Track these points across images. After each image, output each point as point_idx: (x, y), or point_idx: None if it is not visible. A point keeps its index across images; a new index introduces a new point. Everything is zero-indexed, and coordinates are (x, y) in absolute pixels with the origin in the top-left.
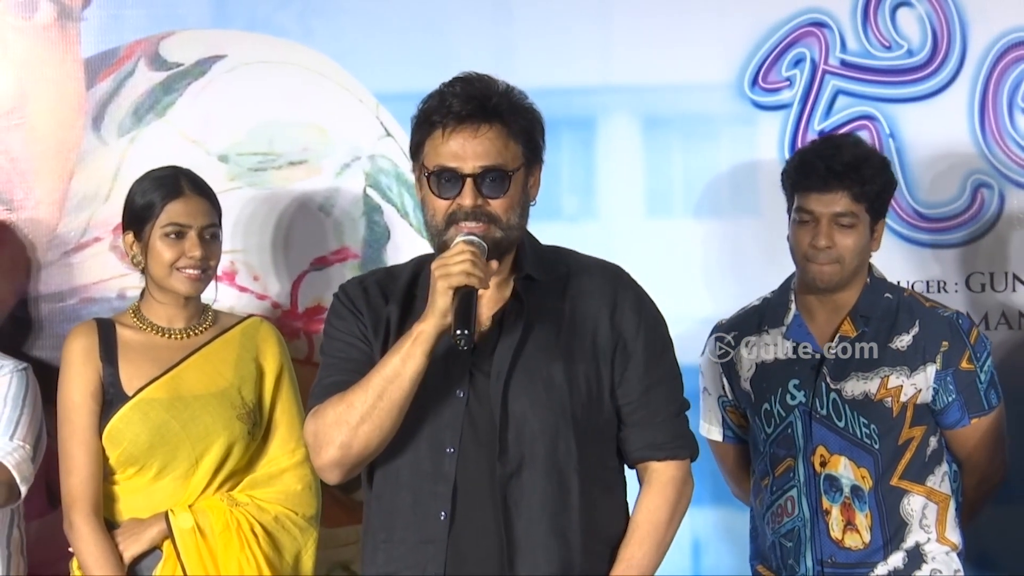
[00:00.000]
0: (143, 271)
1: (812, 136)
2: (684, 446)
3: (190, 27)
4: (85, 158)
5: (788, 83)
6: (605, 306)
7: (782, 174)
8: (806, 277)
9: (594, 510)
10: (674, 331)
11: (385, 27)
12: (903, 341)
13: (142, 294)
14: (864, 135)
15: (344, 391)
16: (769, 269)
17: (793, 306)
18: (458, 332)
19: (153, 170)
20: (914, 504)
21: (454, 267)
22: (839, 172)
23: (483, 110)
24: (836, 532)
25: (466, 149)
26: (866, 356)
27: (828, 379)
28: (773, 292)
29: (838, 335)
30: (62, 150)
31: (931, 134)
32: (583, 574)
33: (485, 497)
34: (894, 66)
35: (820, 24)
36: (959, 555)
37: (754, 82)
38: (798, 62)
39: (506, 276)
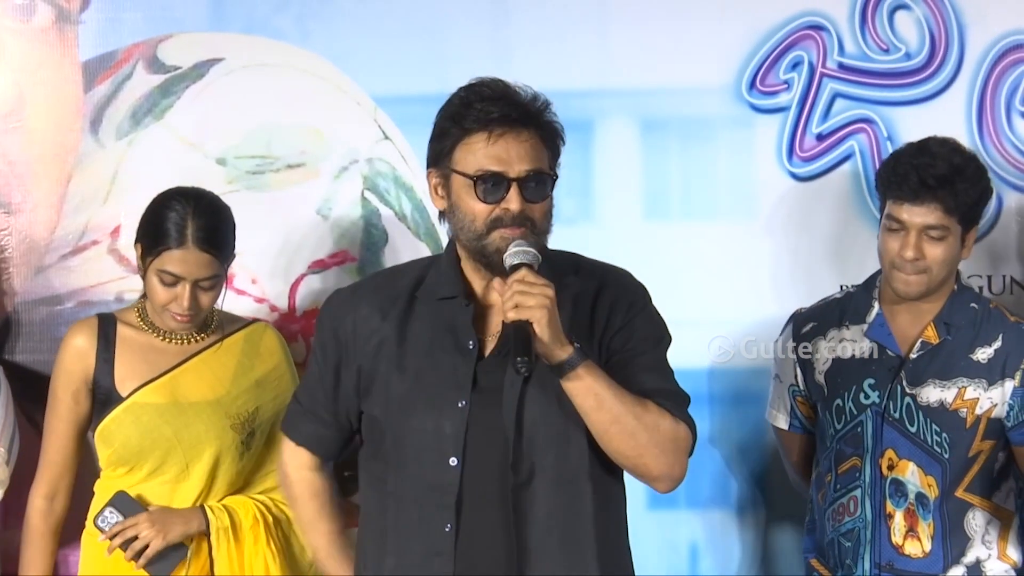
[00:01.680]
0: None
1: (810, 140)
2: (685, 414)
3: (188, 30)
4: (83, 161)
5: (786, 86)
6: (610, 309)
7: (876, 176)
8: (891, 285)
9: (607, 518)
10: (673, 334)
11: (383, 30)
12: (984, 354)
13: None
14: (862, 138)
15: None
16: (767, 272)
17: (876, 304)
18: (520, 360)
19: (175, 199)
20: (978, 519)
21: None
22: (932, 186)
23: (526, 115)
24: (897, 537)
25: (511, 153)
26: (945, 364)
27: (905, 383)
28: (856, 286)
29: (920, 340)
30: (60, 153)
31: None
32: None
33: (494, 507)
34: (892, 69)
35: (818, 27)
36: (1017, 572)
37: (752, 85)
38: (796, 65)
39: None
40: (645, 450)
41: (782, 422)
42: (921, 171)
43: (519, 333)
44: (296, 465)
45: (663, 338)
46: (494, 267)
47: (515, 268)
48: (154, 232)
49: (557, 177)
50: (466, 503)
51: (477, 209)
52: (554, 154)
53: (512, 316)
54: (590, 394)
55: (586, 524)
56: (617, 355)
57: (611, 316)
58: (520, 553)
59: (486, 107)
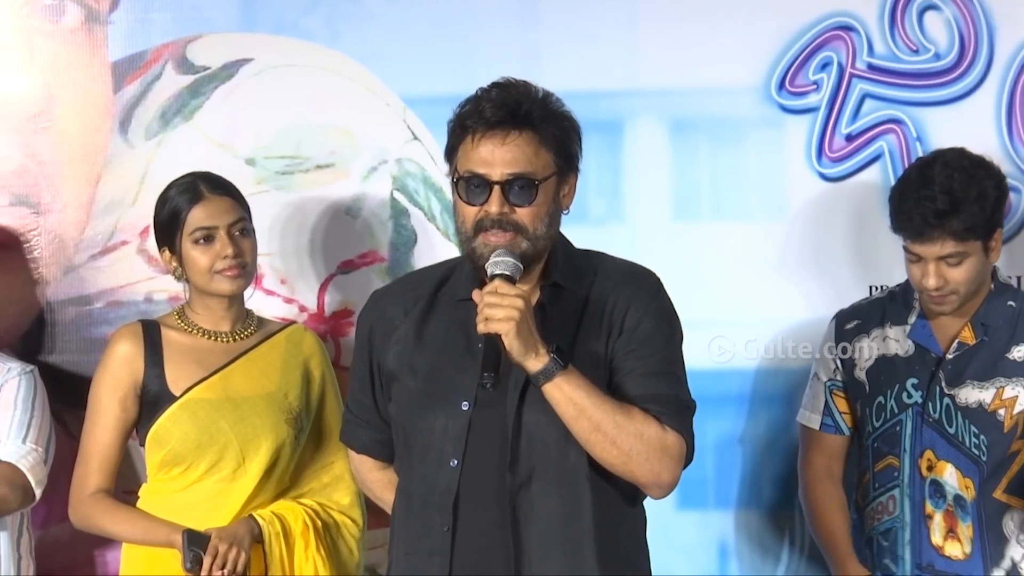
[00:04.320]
0: (186, 281)
1: (839, 140)
2: (678, 422)
3: (217, 31)
4: (112, 162)
5: (815, 87)
6: (619, 310)
7: (888, 200)
8: (925, 307)
9: (608, 520)
10: (701, 334)
11: (412, 31)
12: (1021, 352)
13: (187, 302)
14: (891, 139)
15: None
16: (796, 272)
17: (917, 306)
18: (485, 375)
19: (172, 182)
20: (1015, 519)
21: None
22: (934, 222)
23: (513, 116)
24: (937, 538)
25: (495, 156)
26: (983, 364)
27: (943, 383)
28: (899, 286)
29: (957, 341)
30: (89, 153)
31: (958, 138)
32: None
33: (492, 508)
34: (921, 70)
35: (847, 28)
36: None
37: (781, 85)
38: (825, 65)
39: (534, 284)
40: (628, 458)
41: (814, 422)
42: (922, 209)
43: (489, 347)
44: (365, 469)
45: (672, 338)
46: (481, 271)
47: (492, 279)
48: (168, 212)
49: (560, 178)
50: (464, 504)
51: (466, 211)
52: (562, 154)
53: (481, 329)
54: (569, 403)
55: (585, 525)
56: (619, 358)
57: (620, 317)
58: (518, 554)
59: (482, 108)
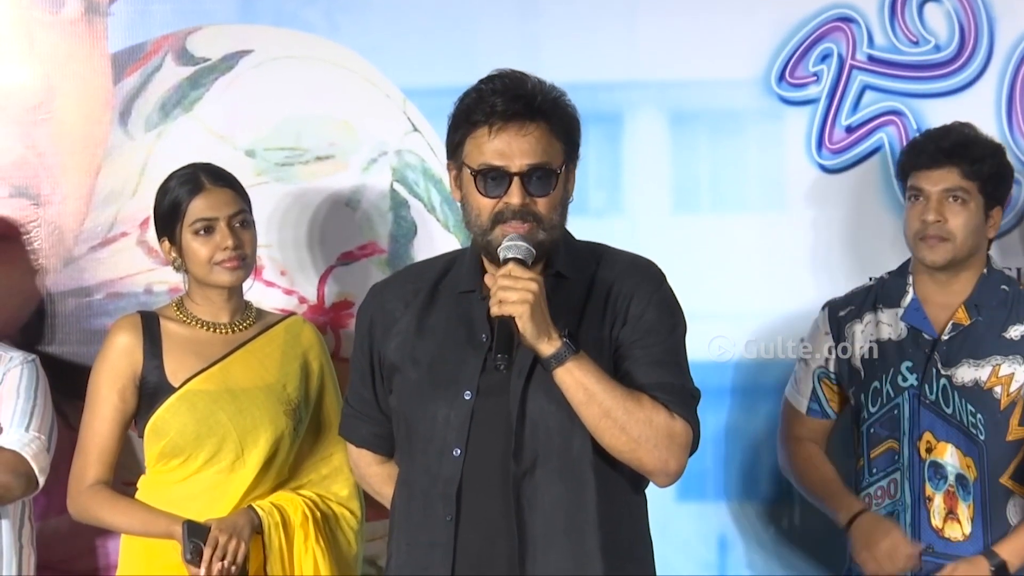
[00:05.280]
0: (185, 271)
1: (839, 132)
2: (685, 410)
3: (217, 22)
4: (112, 153)
5: (815, 78)
6: (623, 299)
7: (896, 163)
8: (918, 256)
9: (612, 508)
10: (700, 326)
11: (412, 23)
12: (1017, 331)
13: (186, 292)
14: (891, 130)
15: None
16: (796, 264)
17: (911, 289)
18: (499, 356)
19: (173, 173)
20: (1019, 506)
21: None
22: (947, 149)
23: (529, 108)
24: (937, 520)
25: (512, 147)
26: (978, 343)
27: (939, 365)
28: (889, 273)
29: (951, 322)
30: (89, 145)
31: None
32: (601, 574)
33: (496, 497)
34: (921, 61)
35: (847, 19)
36: None
37: (781, 77)
38: (825, 57)
39: (537, 273)
40: (637, 444)
41: (801, 404)
42: (936, 140)
43: (502, 329)
44: (364, 464)
45: (676, 328)
46: (498, 262)
47: (506, 263)
48: (169, 203)
49: (568, 167)
50: (468, 493)
51: (481, 203)
52: (569, 145)
53: (495, 311)
54: (579, 388)
55: (589, 513)
56: (624, 347)
57: (624, 306)
58: (522, 543)
59: (492, 100)
